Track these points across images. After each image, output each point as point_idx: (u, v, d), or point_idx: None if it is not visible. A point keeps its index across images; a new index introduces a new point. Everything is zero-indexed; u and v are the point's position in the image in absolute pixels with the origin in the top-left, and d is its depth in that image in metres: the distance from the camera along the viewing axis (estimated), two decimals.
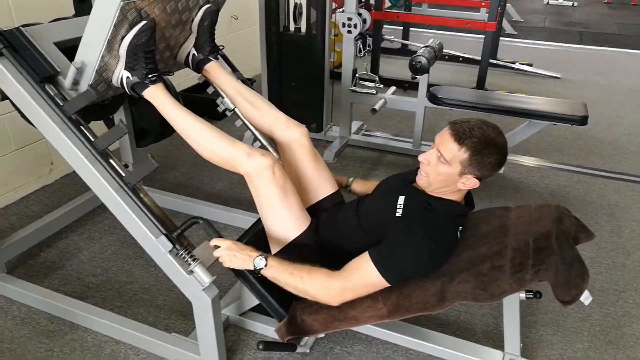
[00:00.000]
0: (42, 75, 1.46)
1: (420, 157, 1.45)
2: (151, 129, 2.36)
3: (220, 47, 1.90)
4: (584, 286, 1.36)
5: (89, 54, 1.46)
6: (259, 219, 1.86)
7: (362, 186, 1.88)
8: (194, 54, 1.79)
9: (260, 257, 1.46)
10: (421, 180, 1.48)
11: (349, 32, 3.12)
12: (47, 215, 2.31)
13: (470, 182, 1.40)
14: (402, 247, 1.38)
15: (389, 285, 1.40)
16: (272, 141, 1.85)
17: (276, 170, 1.49)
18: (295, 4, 3.29)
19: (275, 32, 3.23)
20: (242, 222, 2.37)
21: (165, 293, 2.03)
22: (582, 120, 2.60)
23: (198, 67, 1.81)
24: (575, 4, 8.99)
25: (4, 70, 1.45)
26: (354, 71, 3.26)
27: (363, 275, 1.40)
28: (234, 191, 2.80)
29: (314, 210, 1.70)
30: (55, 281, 2.09)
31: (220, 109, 1.91)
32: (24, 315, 1.90)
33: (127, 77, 1.52)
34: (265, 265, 1.45)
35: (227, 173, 2.89)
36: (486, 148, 1.37)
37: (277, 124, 1.76)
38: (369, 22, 3.39)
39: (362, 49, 3.37)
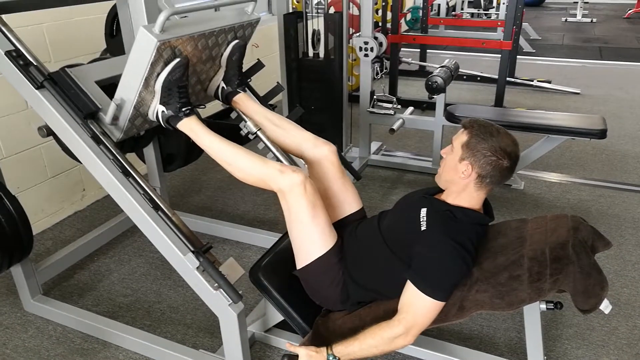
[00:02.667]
0: (86, 112, 1.56)
1: (442, 151, 1.57)
2: (177, 154, 2.47)
3: (249, 80, 1.98)
4: (603, 295, 1.36)
5: (128, 91, 1.56)
6: (280, 238, 1.92)
7: None
8: (223, 87, 1.87)
9: (330, 356, 1.50)
10: (437, 174, 1.58)
11: (366, 55, 3.20)
12: (79, 239, 2.41)
13: (467, 171, 1.45)
14: (438, 262, 1.41)
15: (444, 303, 1.41)
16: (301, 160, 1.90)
17: (308, 186, 1.54)
18: (314, 31, 3.39)
19: (295, 58, 3.33)
20: (264, 241, 2.44)
21: (192, 312, 2.09)
22: (601, 134, 2.60)
23: (227, 99, 1.89)
24: (595, 20, 8.99)
25: (52, 109, 1.56)
26: (372, 93, 3.34)
27: (418, 307, 1.40)
28: (257, 212, 2.87)
29: (339, 227, 1.73)
30: (88, 301, 2.17)
31: (244, 132, 1.98)
32: (59, 334, 1.98)
33: (162, 111, 1.62)
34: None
35: (251, 195, 3.00)
36: (484, 136, 1.44)
37: (305, 143, 1.82)
38: (386, 46, 3.48)
39: (379, 71, 3.46)
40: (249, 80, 1.96)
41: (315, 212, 1.56)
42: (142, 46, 1.47)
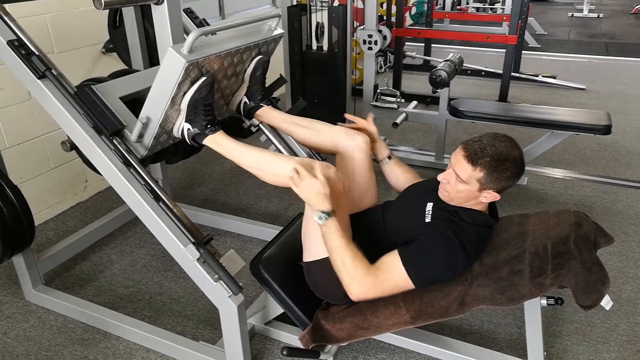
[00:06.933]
0: (112, 130, 1.56)
1: (440, 177, 1.50)
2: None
3: (272, 96, 1.95)
4: (604, 290, 1.36)
5: (154, 109, 1.55)
6: (282, 230, 1.92)
7: (396, 166, 1.86)
8: (245, 102, 1.86)
9: (325, 214, 1.41)
10: (443, 196, 1.52)
11: (370, 48, 3.19)
12: (81, 230, 2.42)
13: (491, 196, 1.44)
14: (432, 251, 1.42)
15: (414, 287, 1.42)
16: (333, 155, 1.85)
17: (338, 184, 1.49)
18: (317, 24, 3.39)
19: (298, 51, 3.33)
20: (266, 234, 2.43)
21: (193, 304, 2.09)
22: (606, 130, 2.59)
23: (249, 113, 1.88)
24: (601, 15, 8.92)
25: (53, 98, 1.56)
26: (375, 87, 3.32)
27: (392, 277, 1.42)
28: (259, 205, 2.87)
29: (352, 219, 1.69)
30: (90, 292, 2.18)
31: (246, 124, 1.98)
32: (60, 324, 1.99)
33: (188, 129, 1.61)
34: (324, 225, 1.43)
35: (253, 188, 3.00)
36: (501, 164, 1.39)
37: (338, 136, 1.78)
38: (390, 39, 3.46)
39: (383, 65, 3.44)
40: (272, 96, 1.94)
41: (338, 213, 1.50)
42: (170, 66, 1.45)
